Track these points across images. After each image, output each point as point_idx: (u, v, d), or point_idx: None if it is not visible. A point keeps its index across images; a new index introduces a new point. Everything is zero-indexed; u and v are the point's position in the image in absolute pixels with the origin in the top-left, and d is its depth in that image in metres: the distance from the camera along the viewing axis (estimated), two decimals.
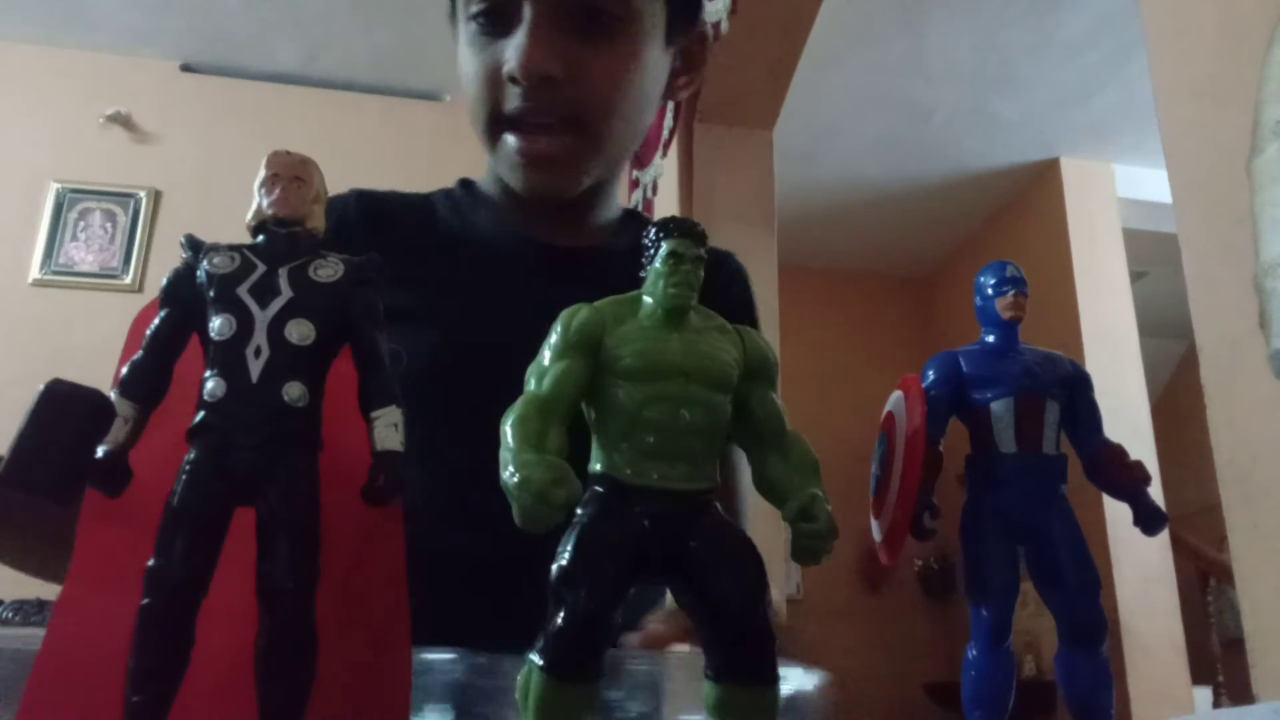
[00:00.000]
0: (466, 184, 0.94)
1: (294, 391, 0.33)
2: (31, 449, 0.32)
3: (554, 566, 0.34)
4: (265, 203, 0.36)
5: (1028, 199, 4.20)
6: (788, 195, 3.63)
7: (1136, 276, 3.98)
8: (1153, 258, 3.93)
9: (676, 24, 0.84)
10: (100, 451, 0.33)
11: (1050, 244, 3.98)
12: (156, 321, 0.35)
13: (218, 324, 0.34)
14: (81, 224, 3.24)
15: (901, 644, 4.21)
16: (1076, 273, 3.85)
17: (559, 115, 0.77)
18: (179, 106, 3.42)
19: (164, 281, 0.35)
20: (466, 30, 0.80)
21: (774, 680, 0.36)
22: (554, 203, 0.84)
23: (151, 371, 0.34)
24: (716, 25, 2.16)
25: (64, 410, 0.32)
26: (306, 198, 0.36)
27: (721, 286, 0.95)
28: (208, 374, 0.34)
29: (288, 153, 0.37)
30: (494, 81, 0.78)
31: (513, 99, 0.77)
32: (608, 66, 0.78)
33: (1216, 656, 3.82)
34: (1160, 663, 3.34)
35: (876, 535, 0.49)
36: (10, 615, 2.39)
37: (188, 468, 0.33)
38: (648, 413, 0.35)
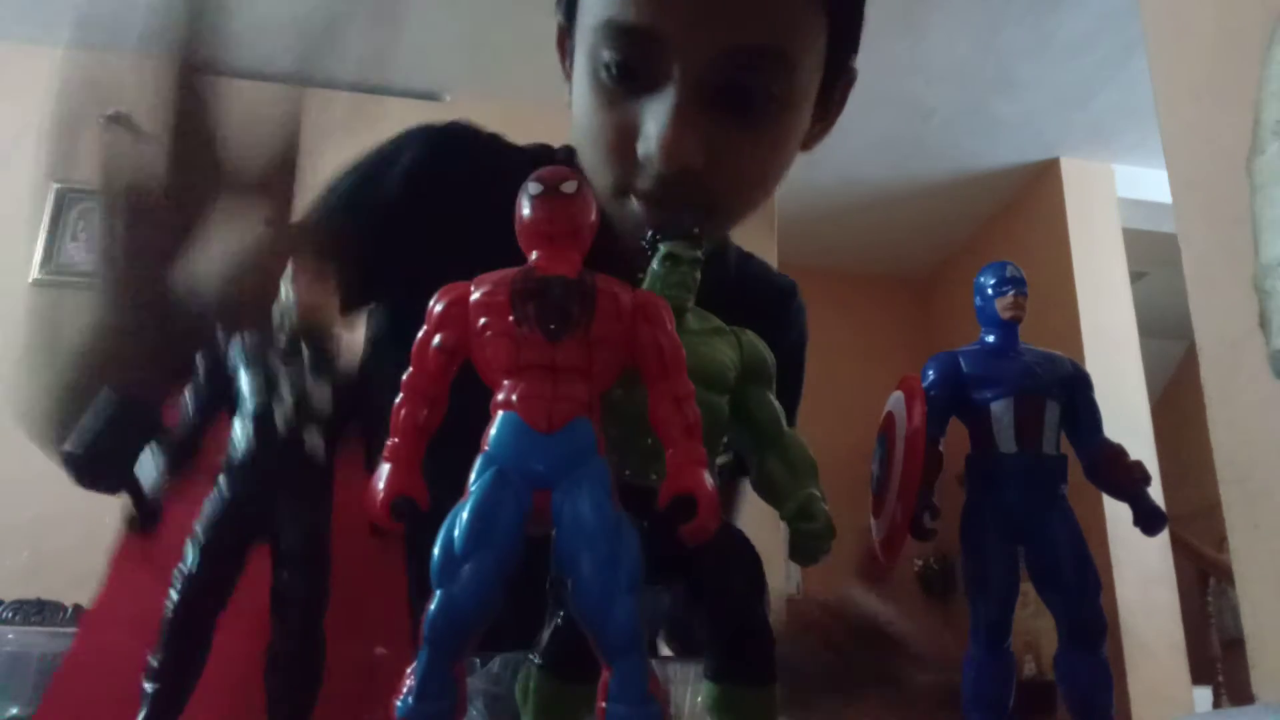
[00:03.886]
0: (571, 154, 0.83)
1: (314, 440, 0.36)
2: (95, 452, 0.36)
3: (554, 566, 0.34)
4: (290, 298, 0.39)
5: (1028, 199, 4.20)
6: (788, 195, 3.63)
7: (1136, 276, 3.98)
8: (1153, 258, 3.93)
9: (830, 76, 0.75)
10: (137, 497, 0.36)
11: (1050, 244, 3.99)
12: (189, 400, 0.38)
13: (246, 379, 0.37)
14: (81, 224, 3.23)
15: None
16: (1076, 273, 3.85)
17: (693, 199, 0.68)
18: None
19: (196, 384, 0.38)
20: (590, 68, 0.69)
21: (773, 680, 0.36)
22: None
23: (188, 446, 0.37)
24: None
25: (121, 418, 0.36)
26: (327, 289, 0.39)
27: (785, 325, 0.93)
28: (236, 421, 0.37)
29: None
30: (623, 149, 0.68)
31: (645, 178, 0.68)
32: (755, 155, 0.69)
33: (1216, 656, 3.82)
34: (1160, 663, 3.35)
35: (876, 535, 0.49)
36: (10, 615, 2.39)
37: (210, 504, 0.35)
38: (646, 414, 0.35)
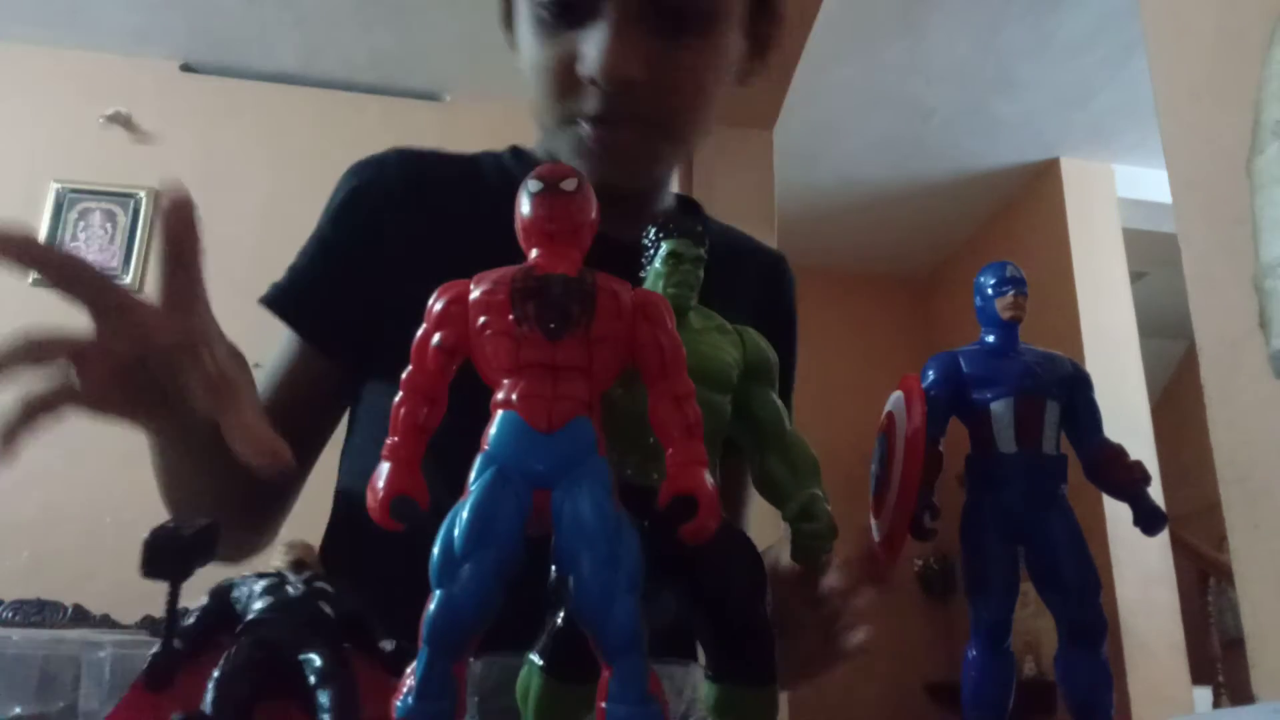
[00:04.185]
0: (518, 153, 0.90)
1: (327, 609, 0.38)
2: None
3: (554, 567, 0.34)
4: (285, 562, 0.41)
5: (1028, 199, 4.20)
6: (788, 195, 3.63)
7: (1136, 276, 3.98)
8: (1153, 258, 3.93)
9: (757, 7, 0.81)
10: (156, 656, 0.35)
11: (1050, 244, 3.98)
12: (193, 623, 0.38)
13: (260, 585, 0.38)
14: (81, 224, 3.23)
15: (901, 644, 4.21)
16: (1076, 273, 3.85)
17: (638, 113, 0.74)
18: (179, 106, 3.42)
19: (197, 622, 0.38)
20: (531, 15, 0.75)
21: (773, 679, 0.36)
22: (616, 194, 0.76)
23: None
24: None
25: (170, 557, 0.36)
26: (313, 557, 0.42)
27: (778, 294, 0.94)
28: (258, 590, 0.38)
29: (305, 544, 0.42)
30: (567, 78, 0.73)
31: (590, 100, 0.73)
32: (690, 65, 0.74)
33: (1216, 656, 3.82)
34: (1160, 663, 3.34)
35: (876, 535, 0.49)
36: (10, 615, 2.39)
37: (232, 652, 0.35)
38: (646, 413, 0.35)
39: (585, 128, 0.74)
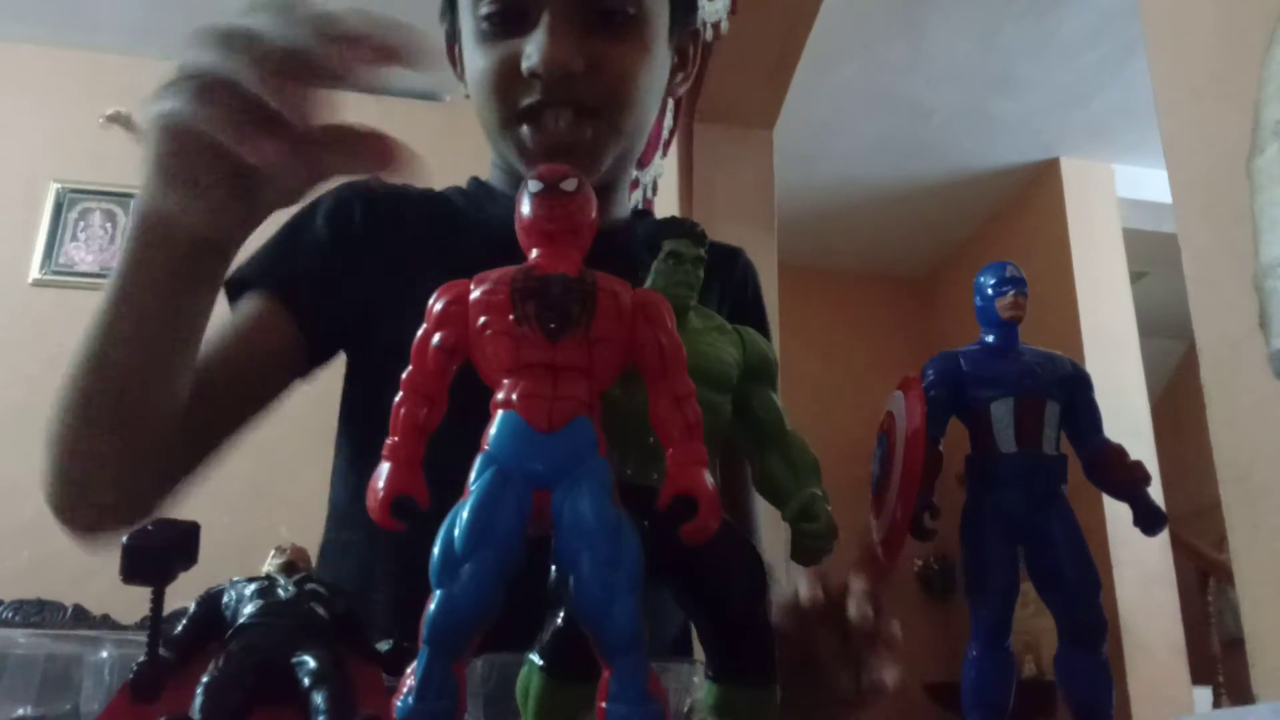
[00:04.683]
0: (476, 180, 0.96)
1: (320, 610, 0.38)
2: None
3: (554, 567, 0.34)
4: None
5: (1028, 199, 4.20)
6: (788, 195, 3.63)
7: (1136, 276, 3.98)
8: (1153, 258, 3.93)
9: (677, 21, 0.88)
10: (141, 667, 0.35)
11: (1050, 244, 3.98)
12: (181, 629, 0.38)
13: (250, 588, 0.38)
14: (81, 224, 3.23)
15: (902, 644, 4.20)
16: (1076, 273, 3.85)
17: (577, 106, 0.79)
18: None
19: (190, 618, 0.38)
20: (474, 29, 0.81)
21: (773, 680, 0.36)
22: None
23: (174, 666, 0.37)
24: (716, 25, 2.16)
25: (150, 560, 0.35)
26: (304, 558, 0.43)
27: (738, 284, 0.96)
28: (248, 594, 0.38)
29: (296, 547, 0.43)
30: (510, 78, 0.79)
31: (531, 94, 0.78)
32: (623, 60, 0.81)
33: (1216, 656, 3.82)
34: (1160, 663, 3.34)
35: (876, 535, 0.49)
36: (10, 615, 2.39)
37: (221, 658, 0.35)
38: (646, 412, 0.35)
39: (528, 128, 0.80)
